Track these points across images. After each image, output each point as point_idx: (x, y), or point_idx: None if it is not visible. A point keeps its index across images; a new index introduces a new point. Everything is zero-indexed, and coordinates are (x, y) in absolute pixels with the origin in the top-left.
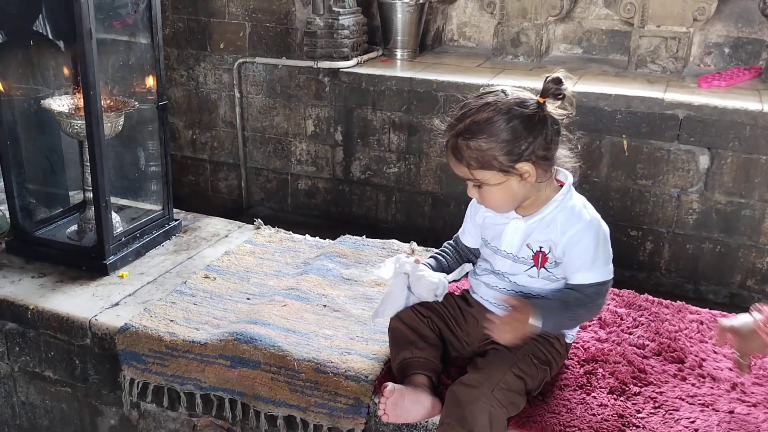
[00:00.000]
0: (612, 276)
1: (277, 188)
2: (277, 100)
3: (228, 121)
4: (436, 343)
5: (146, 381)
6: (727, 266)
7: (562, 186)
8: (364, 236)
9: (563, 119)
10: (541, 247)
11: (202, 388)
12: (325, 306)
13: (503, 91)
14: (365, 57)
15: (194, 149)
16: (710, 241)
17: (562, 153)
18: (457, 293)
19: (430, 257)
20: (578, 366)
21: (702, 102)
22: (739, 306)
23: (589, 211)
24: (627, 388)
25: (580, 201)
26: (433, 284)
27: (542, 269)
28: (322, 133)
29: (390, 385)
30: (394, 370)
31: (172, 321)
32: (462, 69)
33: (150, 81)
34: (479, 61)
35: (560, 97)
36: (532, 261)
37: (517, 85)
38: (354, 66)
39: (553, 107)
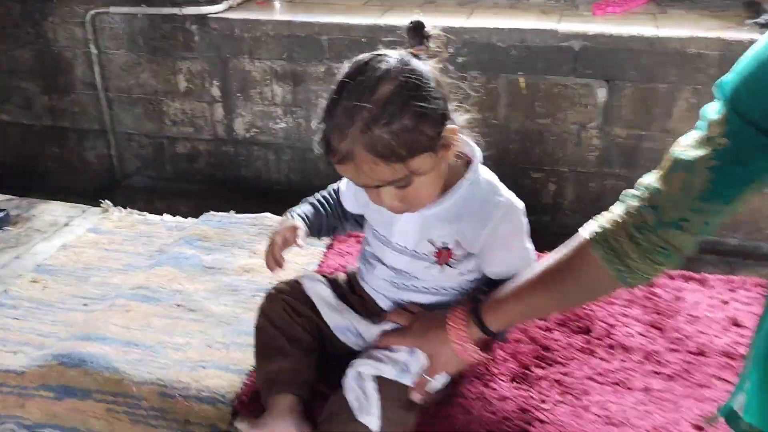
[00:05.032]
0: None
1: (153, 155)
2: (141, 54)
3: (87, 82)
4: (311, 346)
5: None
6: None
7: (468, 163)
8: (232, 212)
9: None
10: (445, 243)
11: (26, 427)
12: (179, 306)
13: (379, 55)
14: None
15: (54, 117)
16: (613, 177)
17: (461, 116)
18: (341, 274)
19: (307, 202)
20: None
21: (597, 31)
22: None
23: (503, 193)
24: (530, 372)
25: (490, 182)
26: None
27: (445, 265)
28: (197, 89)
29: (240, 426)
30: (258, 385)
31: None
32: (347, 8)
33: None
34: None
35: (427, 41)
36: (435, 257)
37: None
38: (224, 11)
39: (426, 55)
